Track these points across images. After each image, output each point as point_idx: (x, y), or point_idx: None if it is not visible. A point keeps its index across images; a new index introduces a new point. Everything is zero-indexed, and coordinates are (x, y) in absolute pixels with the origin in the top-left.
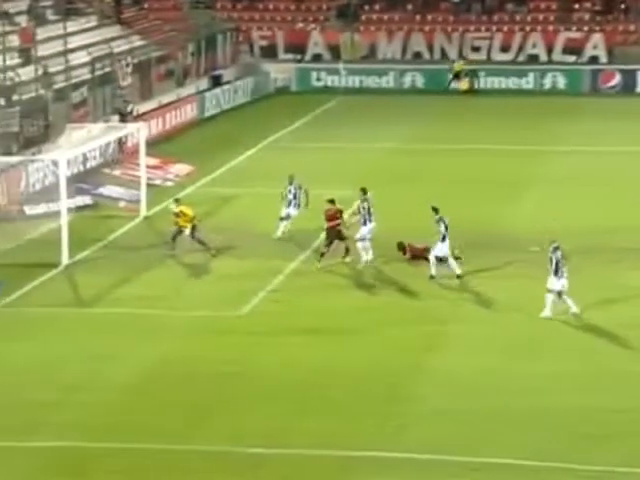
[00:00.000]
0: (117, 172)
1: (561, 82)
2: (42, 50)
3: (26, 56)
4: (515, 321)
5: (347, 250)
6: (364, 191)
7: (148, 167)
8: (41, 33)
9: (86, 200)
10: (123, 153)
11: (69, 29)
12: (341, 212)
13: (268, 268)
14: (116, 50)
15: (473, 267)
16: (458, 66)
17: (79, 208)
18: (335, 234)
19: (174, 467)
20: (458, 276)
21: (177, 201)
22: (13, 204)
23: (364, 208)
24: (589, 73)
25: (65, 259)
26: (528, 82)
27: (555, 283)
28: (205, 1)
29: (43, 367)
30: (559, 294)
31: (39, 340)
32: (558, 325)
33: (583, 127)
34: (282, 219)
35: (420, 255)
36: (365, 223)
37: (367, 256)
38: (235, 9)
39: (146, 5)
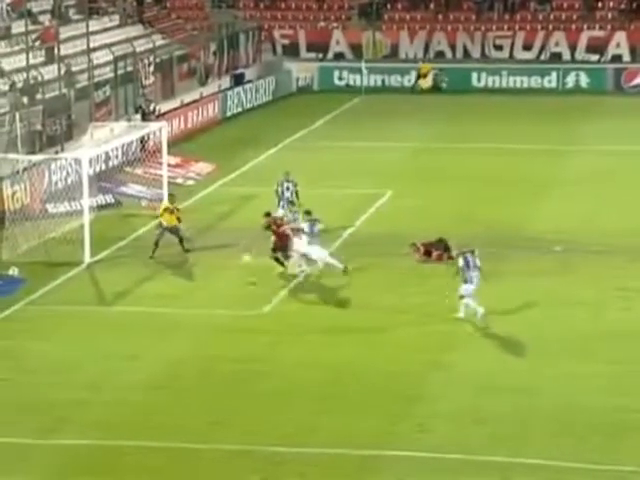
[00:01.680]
0: (139, 171)
1: (584, 81)
2: (65, 49)
3: (49, 55)
4: (536, 320)
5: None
6: (308, 213)
7: (170, 166)
8: (64, 32)
9: (108, 199)
10: (145, 152)
11: (92, 28)
12: (277, 223)
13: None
14: (138, 49)
15: (494, 266)
16: (424, 67)
17: (101, 207)
18: (284, 246)
19: (195, 466)
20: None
21: (172, 196)
22: (36, 202)
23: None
24: (612, 72)
25: (87, 257)
26: (551, 81)
27: (466, 288)
28: (227, 0)
29: (65, 365)
30: (461, 297)
31: (61, 338)
32: (579, 325)
33: (606, 126)
34: None
35: (431, 248)
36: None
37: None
38: (257, 8)
39: (168, 4)
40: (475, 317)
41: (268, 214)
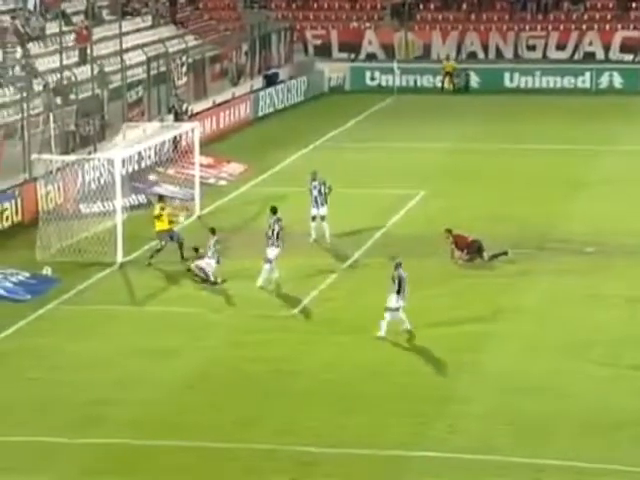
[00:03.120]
0: (171, 171)
1: (617, 81)
2: (98, 50)
3: (82, 55)
4: (567, 321)
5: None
6: (274, 211)
7: (202, 166)
8: (97, 33)
9: (140, 199)
10: (177, 152)
11: (125, 29)
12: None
13: (321, 267)
14: (171, 50)
15: (525, 266)
16: (449, 66)
17: (134, 207)
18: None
19: (226, 465)
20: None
21: (162, 197)
22: (69, 202)
23: (273, 230)
24: None
25: (120, 257)
26: (584, 81)
27: (395, 301)
28: (259, 0)
29: (97, 365)
30: (397, 310)
31: (93, 338)
32: (610, 327)
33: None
34: (314, 219)
35: (463, 246)
36: (275, 246)
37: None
38: (289, 8)
39: (201, 5)
40: (402, 327)
41: (196, 249)
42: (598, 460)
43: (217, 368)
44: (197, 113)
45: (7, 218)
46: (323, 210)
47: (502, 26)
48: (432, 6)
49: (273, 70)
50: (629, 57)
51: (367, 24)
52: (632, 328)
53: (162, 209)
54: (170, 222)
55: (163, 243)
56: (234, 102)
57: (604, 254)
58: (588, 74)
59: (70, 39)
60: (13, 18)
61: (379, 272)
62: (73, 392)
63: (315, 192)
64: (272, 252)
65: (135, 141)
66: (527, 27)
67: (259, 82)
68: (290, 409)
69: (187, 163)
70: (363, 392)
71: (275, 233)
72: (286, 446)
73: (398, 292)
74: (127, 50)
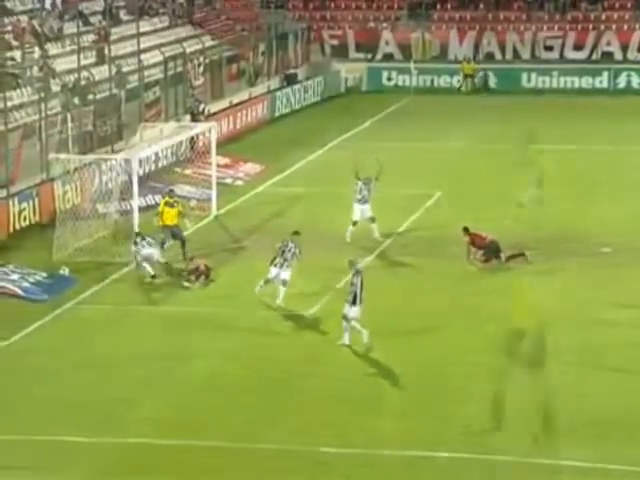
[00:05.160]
0: (188, 171)
1: (635, 81)
2: (115, 50)
3: (100, 56)
4: (583, 322)
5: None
6: (296, 234)
7: (219, 166)
8: (115, 33)
9: (157, 199)
10: (194, 152)
11: (142, 29)
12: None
13: (338, 267)
14: (188, 50)
15: (541, 266)
16: (468, 68)
17: (151, 207)
18: None
19: (243, 465)
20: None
21: (172, 191)
22: (86, 202)
23: (293, 254)
24: None
25: None
26: (602, 81)
27: (351, 309)
28: (276, 1)
29: (114, 364)
30: (347, 319)
31: (110, 337)
32: (627, 329)
33: None
34: (355, 223)
35: (480, 245)
36: (291, 267)
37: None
38: (306, 8)
39: (218, 5)
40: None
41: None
42: (618, 461)
43: (233, 368)
44: (214, 113)
45: (25, 218)
46: (367, 211)
47: (519, 26)
48: (449, 6)
49: (291, 70)
50: None
51: (384, 24)
52: None
53: (166, 204)
54: (179, 213)
55: (162, 237)
56: (251, 102)
57: (621, 255)
58: (606, 74)
59: (87, 39)
60: (31, 18)
61: (395, 273)
62: (91, 392)
63: (362, 187)
64: (286, 273)
65: (152, 141)
66: (544, 27)
67: (276, 82)
68: (307, 409)
69: (204, 163)
70: (380, 393)
71: (293, 255)
72: (303, 446)
73: (354, 302)
74: (144, 50)
